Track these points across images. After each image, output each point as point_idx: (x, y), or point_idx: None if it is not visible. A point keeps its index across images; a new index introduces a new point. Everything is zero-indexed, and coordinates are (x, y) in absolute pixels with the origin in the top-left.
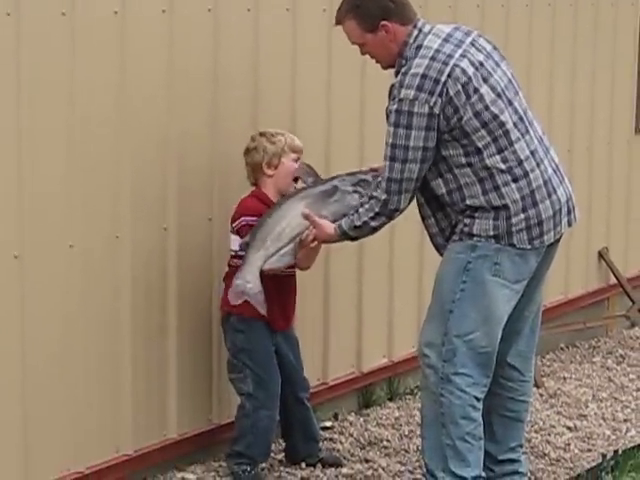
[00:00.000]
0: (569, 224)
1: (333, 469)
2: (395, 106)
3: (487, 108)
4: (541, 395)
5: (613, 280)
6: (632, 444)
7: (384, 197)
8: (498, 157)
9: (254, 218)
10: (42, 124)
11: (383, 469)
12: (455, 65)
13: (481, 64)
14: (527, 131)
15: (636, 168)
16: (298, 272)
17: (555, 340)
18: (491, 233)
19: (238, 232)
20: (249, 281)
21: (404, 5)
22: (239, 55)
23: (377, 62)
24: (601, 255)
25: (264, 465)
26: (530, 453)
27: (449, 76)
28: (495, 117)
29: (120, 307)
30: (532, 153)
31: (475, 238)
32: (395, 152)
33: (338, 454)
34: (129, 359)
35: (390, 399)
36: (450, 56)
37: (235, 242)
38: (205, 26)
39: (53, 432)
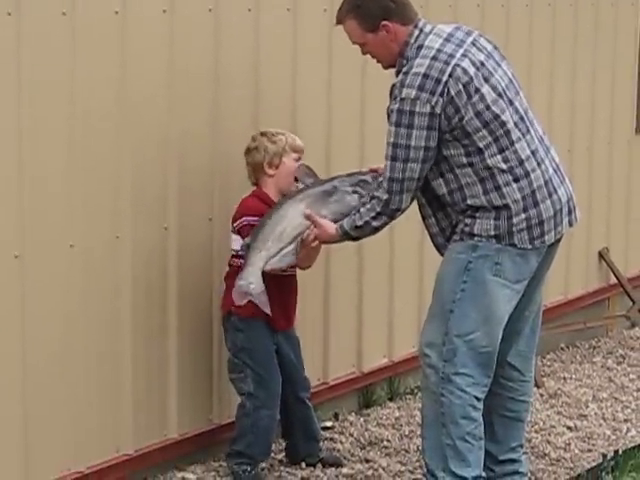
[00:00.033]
0: (570, 224)
1: (333, 469)
2: (396, 105)
3: (488, 108)
4: (541, 395)
5: (613, 280)
6: (632, 444)
7: (385, 197)
8: (499, 157)
9: (255, 218)
10: (42, 124)
11: (383, 469)
12: (456, 65)
13: (482, 64)
14: (528, 131)
15: (636, 168)
16: (298, 272)
17: (555, 340)
18: (492, 233)
19: (239, 232)
20: (252, 282)
21: (405, 5)
22: (240, 55)
23: (378, 62)
24: (601, 255)
25: (264, 465)
26: (530, 453)
27: (450, 76)
28: (496, 117)
29: (121, 307)
30: (533, 153)
31: (476, 238)
32: (396, 151)
33: (338, 454)
34: (129, 359)
35: (390, 399)
36: (451, 56)
37: (236, 242)
38: (206, 26)
39: (53, 431)
